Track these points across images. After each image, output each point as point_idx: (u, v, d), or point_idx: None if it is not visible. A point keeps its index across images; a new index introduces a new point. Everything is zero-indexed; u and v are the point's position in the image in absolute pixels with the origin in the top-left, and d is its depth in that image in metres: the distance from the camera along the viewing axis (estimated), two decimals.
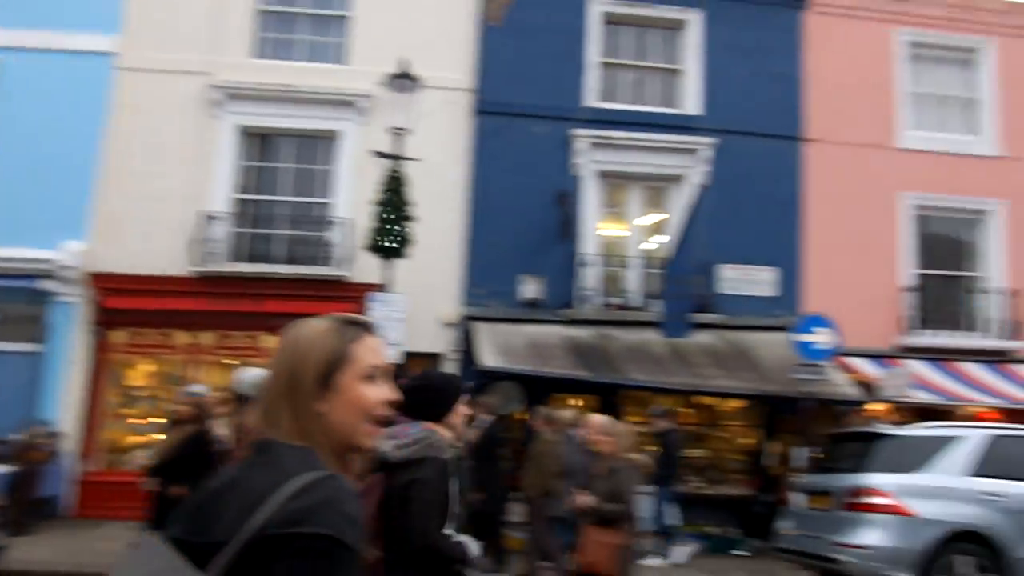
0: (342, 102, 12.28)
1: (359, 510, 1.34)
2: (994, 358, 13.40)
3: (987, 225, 14.26)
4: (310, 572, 1.23)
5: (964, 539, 7.79)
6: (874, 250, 13.64)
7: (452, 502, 2.95)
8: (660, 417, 10.66)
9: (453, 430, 3.08)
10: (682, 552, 10.27)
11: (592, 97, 13.13)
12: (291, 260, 11.85)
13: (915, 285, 13.68)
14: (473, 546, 2.98)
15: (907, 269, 13.74)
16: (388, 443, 2.95)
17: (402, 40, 11.92)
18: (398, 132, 10.24)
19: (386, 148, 10.22)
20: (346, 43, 12.72)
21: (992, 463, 8.20)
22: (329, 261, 11.71)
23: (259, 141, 12.46)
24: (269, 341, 11.57)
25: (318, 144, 12.51)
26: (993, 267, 14.07)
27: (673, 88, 13.71)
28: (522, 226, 12.38)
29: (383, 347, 1.51)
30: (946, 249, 14.28)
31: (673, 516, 10.27)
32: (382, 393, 1.47)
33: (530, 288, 12.21)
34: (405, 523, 2.83)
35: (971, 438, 8.39)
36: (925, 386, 12.10)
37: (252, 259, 11.78)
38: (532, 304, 12.17)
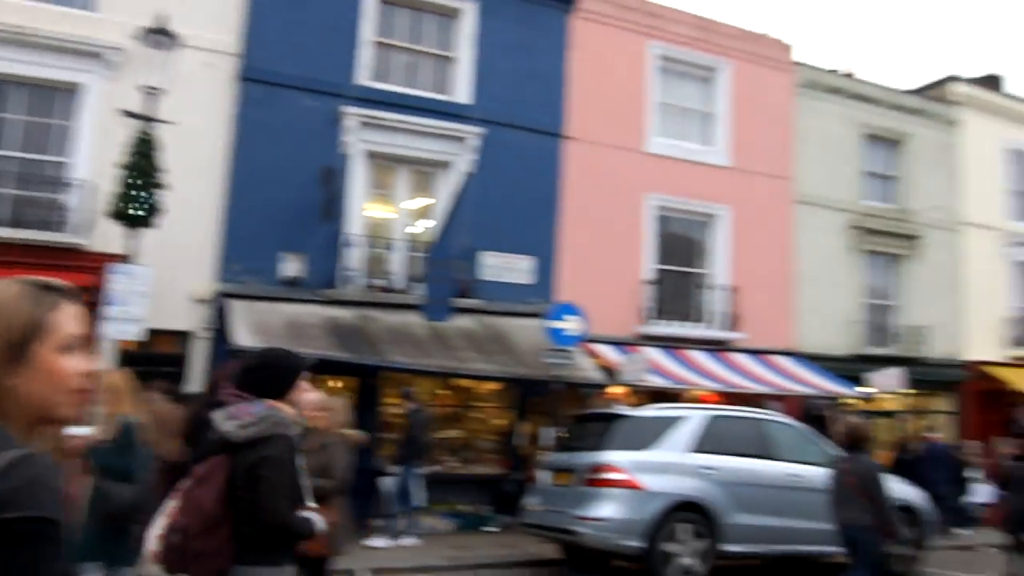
0: (87, 52, 11.25)
1: (62, 486, 1.28)
2: (716, 347, 15.16)
3: (715, 228, 16.01)
4: (28, 559, 1.18)
5: (685, 509, 8.72)
6: (621, 245, 14.86)
7: (300, 478, 2.93)
8: (406, 398, 10.97)
9: (295, 407, 3.03)
10: (409, 538, 10.49)
11: (364, 76, 13.09)
12: (17, 223, 10.65)
13: (654, 279, 15.09)
14: (319, 521, 2.97)
15: (648, 264, 15.10)
16: (230, 423, 2.88)
17: None
18: (151, 92, 9.62)
19: (137, 108, 9.58)
20: None
21: (710, 440, 9.26)
22: (63, 226, 10.70)
23: None
24: None
25: (55, 96, 11.37)
26: (718, 265, 15.85)
27: (445, 75, 13.99)
28: (285, 202, 12.08)
29: (83, 314, 1.44)
30: (681, 247, 15.89)
31: (418, 496, 10.53)
32: (82, 364, 1.39)
33: (290, 266, 11.98)
34: (256, 502, 2.77)
35: (693, 418, 9.39)
36: (659, 371, 13.41)
37: None
38: (292, 283, 11.95)
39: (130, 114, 9.56)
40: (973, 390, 18.28)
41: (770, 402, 13.56)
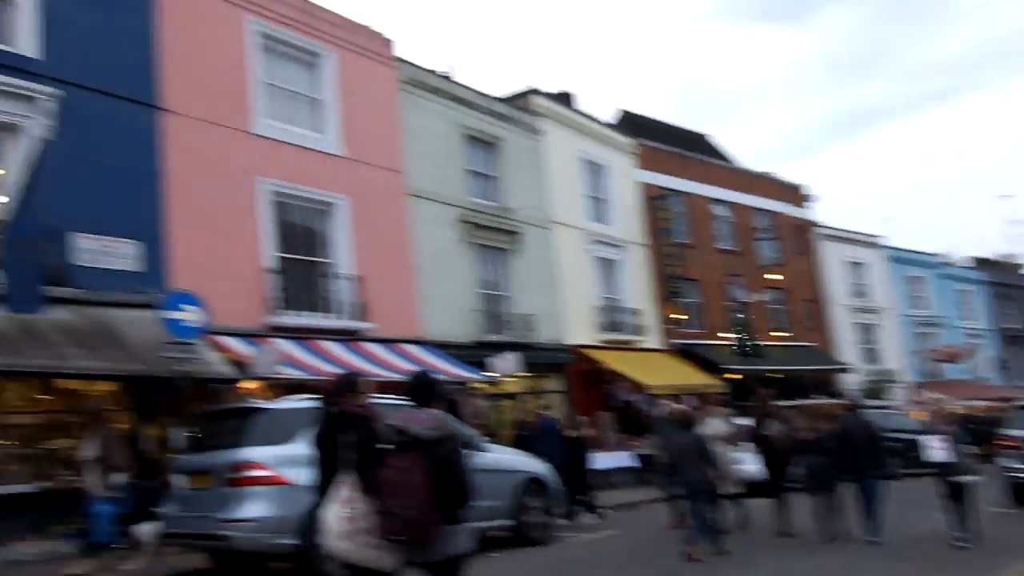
0: None
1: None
2: (348, 337, 15.56)
3: (335, 216, 16.47)
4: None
5: None
6: (238, 231, 14.54)
7: None
8: None
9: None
10: None
11: None
12: None
13: (277, 268, 15.03)
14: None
15: (268, 252, 14.99)
16: (416, 425, 4.09)
17: None
18: None
19: None
20: None
21: None
22: None
23: None
24: None
25: None
26: (342, 255, 16.33)
27: (3, 21, 12.46)
28: None
29: None
30: (303, 236, 16.06)
31: None
32: None
33: None
34: (457, 484, 4.05)
35: None
36: (293, 363, 13.41)
37: None
38: None
39: None
40: (576, 370, 21.26)
41: None
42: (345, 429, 5.04)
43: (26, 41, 12.28)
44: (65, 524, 10.00)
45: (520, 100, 22.62)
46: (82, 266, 12.05)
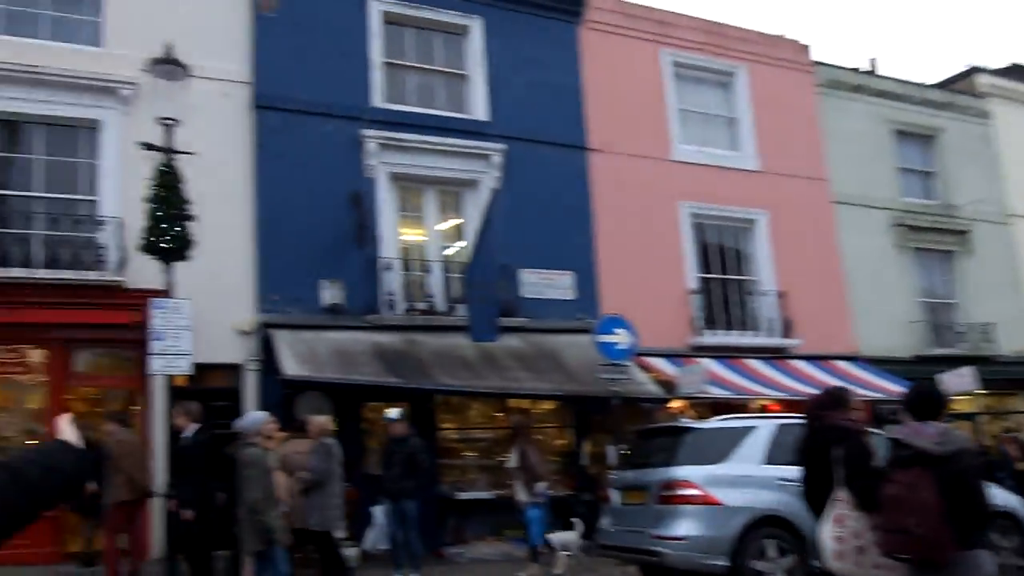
0: (100, 88, 11.81)
1: None
2: (773, 355, 15.54)
3: (755, 233, 16.55)
4: None
5: (768, 524, 8.63)
6: (661, 255, 15.36)
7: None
8: (396, 421, 9.96)
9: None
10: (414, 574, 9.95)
11: (379, 97, 13.75)
12: (52, 263, 11.08)
13: (699, 288, 15.57)
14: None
15: (691, 273, 15.59)
16: (921, 439, 3.95)
17: (166, 24, 11.75)
18: (167, 123, 10.04)
19: (155, 140, 9.98)
20: (100, 23, 12.28)
21: (781, 451, 9.05)
22: (99, 264, 11.14)
23: (3, 128, 11.56)
24: (36, 355, 10.85)
25: (77, 134, 11.93)
26: (764, 271, 16.36)
27: (460, 93, 14.69)
28: (317, 229, 12.55)
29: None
30: (723, 255, 16.39)
31: (416, 539, 9.91)
32: None
33: (330, 293, 12.33)
34: (974, 504, 3.85)
35: (763, 428, 9.36)
36: (717, 382, 13.74)
37: (4, 263, 10.86)
38: (333, 310, 12.33)
39: (149, 146, 9.96)
40: None
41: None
42: (834, 444, 4.93)
43: (477, 107, 14.40)
44: (513, 529, 11.43)
45: (960, 83, 20.57)
46: (528, 298, 13.67)
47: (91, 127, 11.73)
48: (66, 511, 9.90)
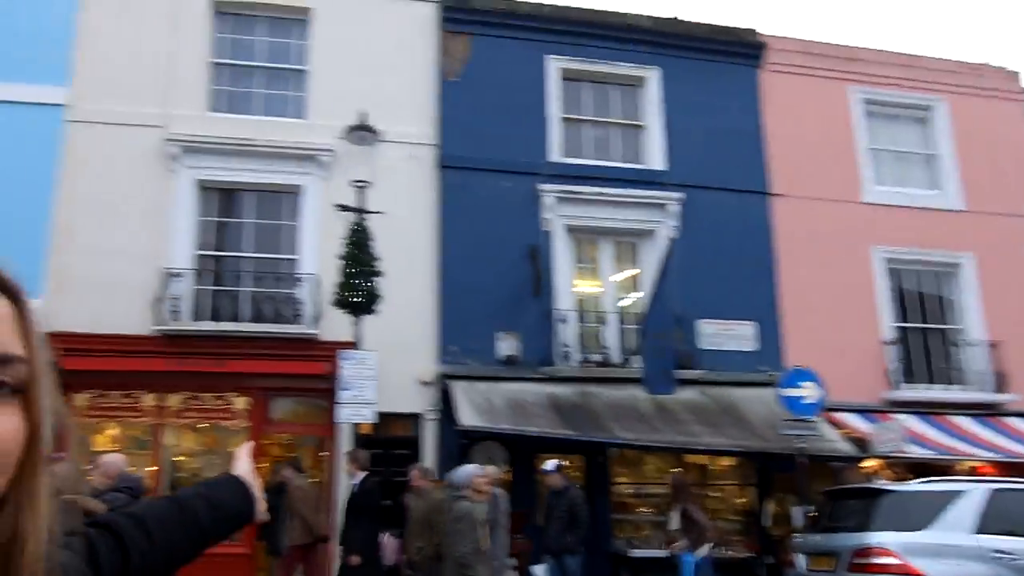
0: (303, 156, 13.01)
1: None
2: (983, 411, 14.33)
3: (959, 278, 15.52)
4: None
5: None
6: (852, 303, 14.67)
7: None
8: (553, 473, 9.99)
9: None
10: None
11: (556, 152, 14.16)
12: (257, 317, 12.35)
13: (896, 338, 14.75)
14: None
15: (886, 322, 14.78)
16: None
17: (360, 94, 12.80)
18: (360, 185, 10.85)
19: (349, 202, 10.80)
20: (304, 97, 13.57)
21: (996, 519, 8.47)
22: (297, 318, 12.21)
23: (219, 196, 13.11)
24: (240, 402, 11.84)
25: (281, 199, 13.21)
26: (971, 319, 15.25)
27: (636, 143, 14.89)
28: (495, 282, 12.99)
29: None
30: (923, 302, 15.46)
31: None
32: None
33: (506, 345, 12.72)
34: None
35: (974, 492, 8.68)
36: (918, 440, 12.89)
37: (216, 317, 12.21)
38: (510, 361, 12.70)
39: (343, 207, 10.80)
40: None
41: None
42: None
43: (654, 157, 14.53)
44: None
45: None
46: (706, 349, 13.49)
47: (294, 191, 12.87)
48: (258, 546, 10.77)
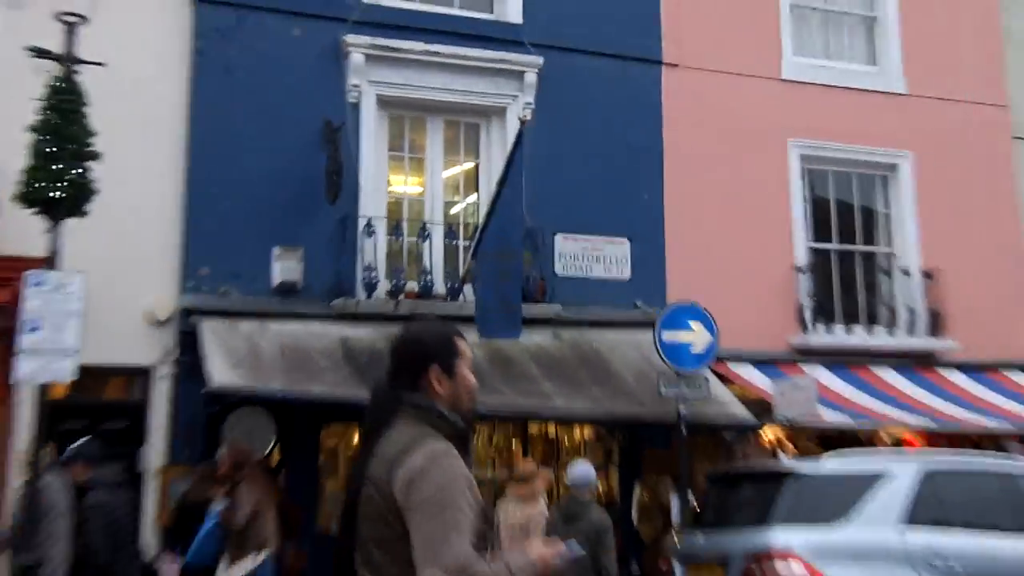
0: None
1: None
2: (916, 361, 14.76)
3: (894, 184, 15.77)
4: None
5: None
6: (757, 216, 14.63)
7: None
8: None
9: None
10: None
11: None
12: None
13: (809, 265, 14.83)
14: None
15: (801, 243, 14.90)
16: None
17: None
18: (69, 20, 9.92)
19: (50, 46, 9.87)
20: None
21: (929, 508, 8.64)
22: None
23: None
24: None
25: None
26: (904, 240, 15.57)
27: None
28: (271, 175, 12.38)
29: None
30: (844, 217, 15.66)
31: None
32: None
33: (286, 267, 12.14)
34: None
35: (901, 474, 8.82)
36: (833, 402, 12.88)
37: None
38: (289, 290, 12.16)
39: (39, 52, 9.78)
40: None
41: (1012, 443, 13.06)
42: None
43: (509, 5, 13.93)
44: None
45: None
46: (564, 276, 13.30)
47: None
48: None
